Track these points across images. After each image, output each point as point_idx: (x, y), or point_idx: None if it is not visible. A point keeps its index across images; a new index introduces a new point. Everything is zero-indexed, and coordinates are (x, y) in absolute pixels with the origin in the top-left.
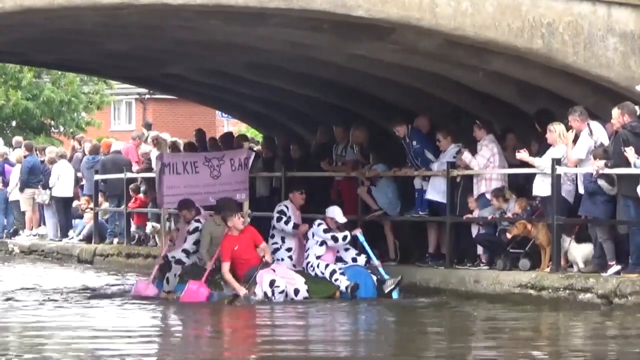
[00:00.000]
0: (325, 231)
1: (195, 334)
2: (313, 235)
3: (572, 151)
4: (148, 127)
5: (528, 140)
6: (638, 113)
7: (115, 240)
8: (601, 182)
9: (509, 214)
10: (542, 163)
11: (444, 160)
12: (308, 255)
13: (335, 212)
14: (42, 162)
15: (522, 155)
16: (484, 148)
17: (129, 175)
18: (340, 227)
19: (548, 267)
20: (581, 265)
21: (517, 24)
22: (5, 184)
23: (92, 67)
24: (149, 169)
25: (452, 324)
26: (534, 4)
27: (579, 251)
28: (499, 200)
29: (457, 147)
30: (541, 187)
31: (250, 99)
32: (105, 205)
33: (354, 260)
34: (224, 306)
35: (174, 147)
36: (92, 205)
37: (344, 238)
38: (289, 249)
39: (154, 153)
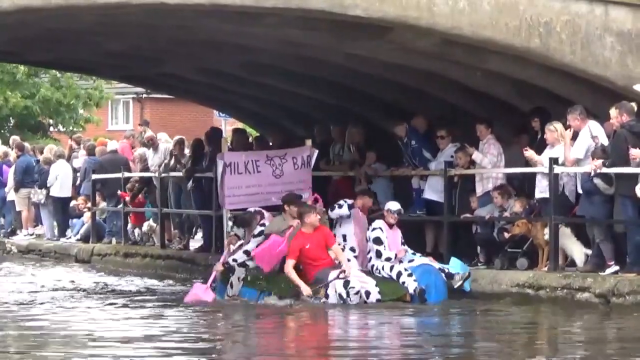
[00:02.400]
0: (375, 241)
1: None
2: (369, 239)
3: (572, 150)
4: (146, 124)
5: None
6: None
7: (114, 239)
8: (597, 181)
9: (507, 213)
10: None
11: (441, 160)
12: (371, 258)
13: (390, 205)
14: (37, 161)
15: (530, 153)
16: (491, 147)
17: (127, 175)
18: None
19: (546, 266)
20: (580, 263)
21: (514, 23)
22: (3, 184)
23: (90, 66)
24: (146, 169)
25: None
26: (531, 3)
27: (578, 247)
28: (503, 197)
29: (455, 146)
30: (544, 187)
31: (247, 98)
32: (103, 204)
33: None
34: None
35: (180, 145)
36: (89, 204)
37: (387, 259)
38: (352, 249)
39: (150, 154)
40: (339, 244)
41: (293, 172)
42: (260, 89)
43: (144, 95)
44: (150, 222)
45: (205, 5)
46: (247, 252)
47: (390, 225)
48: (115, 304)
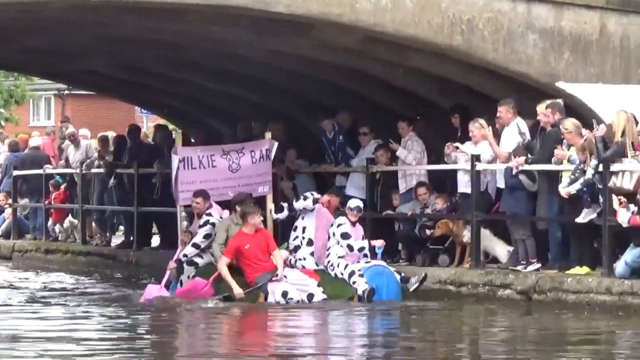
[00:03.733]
0: (343, 236)
1: None
2: (334, 235)
3: (502, 145)
4: (67, 121)
5: (447, 135)
6: None
7: (29, 236)
8: (522, 178)
9: (430, 210)
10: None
11: (363, 157)
12: (329, 254)
13: (351, 202)
14: None
15: (459, 147)
16: (414, 144)
17: (48, 171)
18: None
19: (468, 263)
20: (503, 260)
21: (436, 21)
22: None
23: (11, 62)
24: (67, 166)
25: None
26: (454, 0)
27: (500, 245)
28: (425, 194)
29: (377, 143)
30: (466, 183)
31: (170, 95)
32: (25, 201)
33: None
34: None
35: (103, 141)
36: (10, 201)
37: (360, 249)
38: (310, 242)
39: (72, 150)
40: (297, 237)
41: (251, 165)
42: (183, 86)
43: (66, 92)
44: (70, 218)
45: (127, 2)
46: (195, 245)
47: (353, 223)
48: (38, 301)
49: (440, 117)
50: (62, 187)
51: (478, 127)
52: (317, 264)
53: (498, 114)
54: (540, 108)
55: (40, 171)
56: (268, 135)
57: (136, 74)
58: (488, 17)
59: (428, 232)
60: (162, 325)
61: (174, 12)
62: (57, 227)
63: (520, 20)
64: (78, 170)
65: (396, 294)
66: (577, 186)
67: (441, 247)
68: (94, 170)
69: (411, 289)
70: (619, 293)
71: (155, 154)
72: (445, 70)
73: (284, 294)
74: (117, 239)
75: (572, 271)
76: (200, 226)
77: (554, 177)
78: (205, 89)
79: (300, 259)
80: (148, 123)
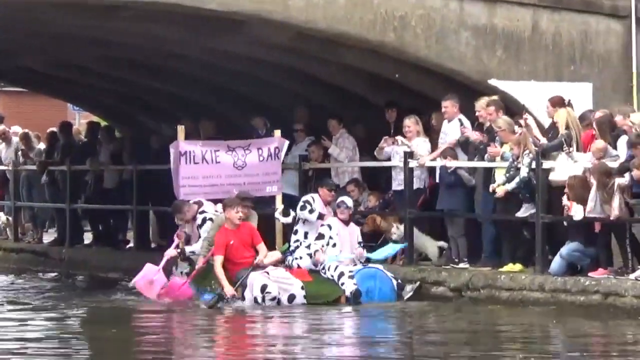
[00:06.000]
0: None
1: None
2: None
3: (447, 140)
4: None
5: (379, 133)
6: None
7: None
8: (462, 172)
9: (362, 207)
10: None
11: (296, 154)
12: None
13: (340, 199)
14: None
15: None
16: (345, 141)
17: None
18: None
19: (401, 260)
20: (434, 258)
21: (369, 17)
22: None
23: None
24: None
25: None
26: None
27: (431, 242)
28: (353, 190)
29: (310, 140)
30: (400, 180)
31: (104, 92)
32: None
33: (368, 260)
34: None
35: (26, 139)
36: None
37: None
38: (309, 246)
39: (3, 147)
40: (297, 241)
41: (257, 164)
42: (116, 83)
43: None
44: (2, 215)
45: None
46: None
47: (346, 223)
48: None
49: (373, 114)
50: None
51: (414, 122)
52: (314, 265)
53: (443, 109)
54: (480, 105)
55: None
56: (277, 133)
57: (70, 71)
58: (421, 14)
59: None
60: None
61: (107, 9)
62: None
63: (453, 17)
64: (10, 167)
65: (389, 297)
66: (512, 185)
67: (374, 244)
68: (22, 168)
69: (405, 298)
70: (552, 290)
71: (87, 151)
72: (378, 67)
73: (263, 288)
74: (50, 237)
75: (505, 268)
76: (199, 226)
77: (490, 174)
78: (140, 86)
79: (296, 258)
80: (80, 120)
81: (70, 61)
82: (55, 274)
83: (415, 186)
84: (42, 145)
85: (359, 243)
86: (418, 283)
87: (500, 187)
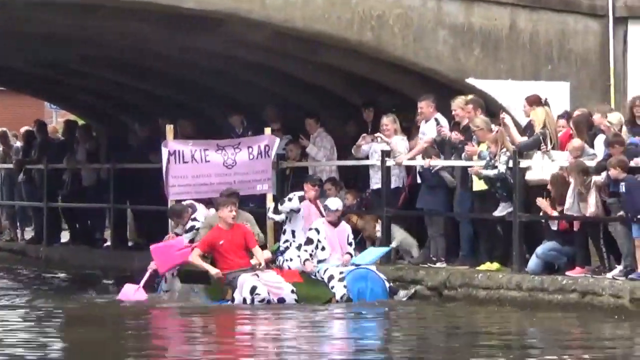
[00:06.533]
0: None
1: None
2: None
3: (424, 139)
4: None
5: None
6: None
7: None
8: (444, 174)
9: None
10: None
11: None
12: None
13: (328, 202)
14: None
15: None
16: (323, 140)
17: None
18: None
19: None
20: (414, 254)
21: (346, 16)
22: None
23: None
24: None
25: None
26: None
27: (410, 241)
28: (330, 189)
29: (287, 139)
30: (378, 179)
31: (81, 90)
32: None
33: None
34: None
35: (4, 137)
36: None
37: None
38: (299, 247)
39: None
40: (287, 241)
41: (248, 162)
42: (94, 81)
43: None
44: None
45: None
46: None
47: (334, 224)
48: None
49: (350, 113)
50: None
51: (392, 120)
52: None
53: (419, 109)
54: (456, 104)
55: None
56: (268, 130)
57: (47, 70)
58: (398, 13)
59: None
60: None
61: (84, 7)
62: None
63: (431, 16)
64: None
65: (381, 298)
66: (489, 173)
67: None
68: (1, 166)
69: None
70: (529, 289)
71: (64, 149)
72: (356, 66)
73: (252, 290)
74: (28, 234)
75: (482, 267)
76: (187, 231)
77: (467, 174)
78: (117, 84)
79: (287, 260)
80: (57, 119)
81: (48, 60)
82: (33, 272)
83: (393, 185)
84: (19, 144)
85: (349, 244)
86: (414, 290)
87: (480, 170)
